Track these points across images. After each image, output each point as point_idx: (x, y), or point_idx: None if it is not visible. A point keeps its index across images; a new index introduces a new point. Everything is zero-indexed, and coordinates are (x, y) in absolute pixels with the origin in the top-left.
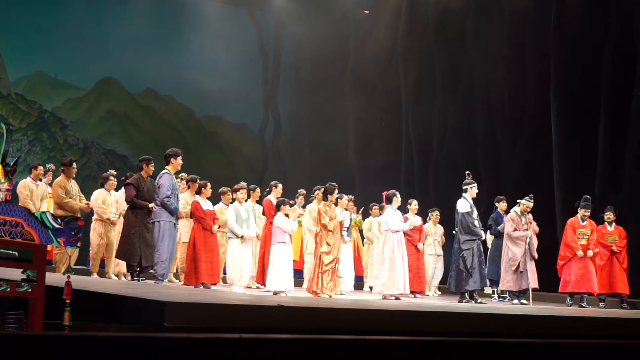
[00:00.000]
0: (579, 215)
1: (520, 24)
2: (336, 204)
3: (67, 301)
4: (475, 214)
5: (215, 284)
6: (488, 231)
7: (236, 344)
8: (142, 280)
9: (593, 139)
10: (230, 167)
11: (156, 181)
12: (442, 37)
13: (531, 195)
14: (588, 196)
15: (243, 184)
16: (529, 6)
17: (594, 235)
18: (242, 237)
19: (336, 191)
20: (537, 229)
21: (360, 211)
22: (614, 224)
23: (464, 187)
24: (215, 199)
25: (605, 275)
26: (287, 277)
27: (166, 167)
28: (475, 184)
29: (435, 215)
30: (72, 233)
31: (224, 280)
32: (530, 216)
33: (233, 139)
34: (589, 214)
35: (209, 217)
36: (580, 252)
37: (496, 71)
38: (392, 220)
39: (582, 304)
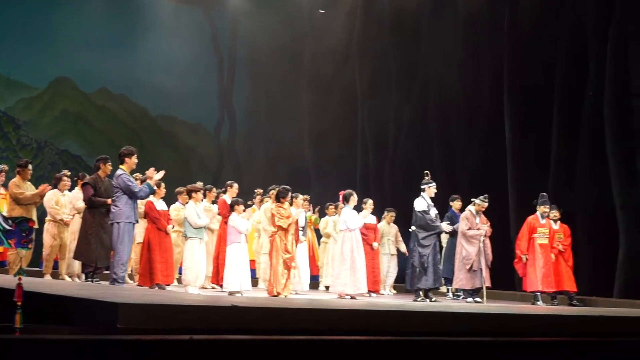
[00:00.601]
0: (538, 213)
1: (475, 25)
2: (291, 204)
3: (19, 304)
4: (433, 212)
5: (169, 285)
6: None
7: (187, 345)
8: (96, 281)
9: (546, 138)
10: (186, 166)
11: (114, 181)
12: (398, 35)
13: (486, 195)
14: (544, 193)
15: (199, 184)
16: (483, 8)
17: (551, 234)
18: (203, 226)
19: (289, 195)
20: (490, 230)
21: (316, 210)
22: (559, 222)
23: (422, 187)
24: (170, 199)
25: (555, 274)
26: (244, 277)
27: (121, 166)
28: (434, 184)
29: (390, 216)
30: (24, 235)
31: (179, 281)
32: (484, 217)
33: (188, 138)
34: (548, 209)
35: (164, 217)
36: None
37: (451, 71)
38: (350, 220)
39: (538, 302)
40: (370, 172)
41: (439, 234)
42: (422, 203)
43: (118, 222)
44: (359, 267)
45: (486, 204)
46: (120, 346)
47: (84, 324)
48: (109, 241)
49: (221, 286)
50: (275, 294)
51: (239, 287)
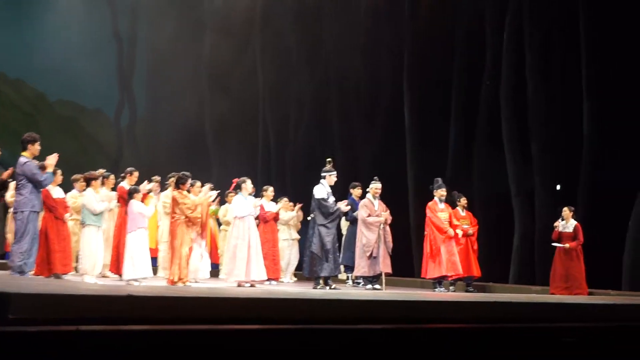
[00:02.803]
0: (436, 198)
1: (377, 11)
2: (189, 191)
3: None
4: (331, 200)
5: (67, 274)
6: (343, 217)
7: (74, 336)
8: None
9: (445, 125)
10: (85, 153)
11: (17, 169)
12: (300, 23)
13: (375, 177)
14: (439, 178)
15: (100, 171)
16: None
17: (453, 219)
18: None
19: (189, 181)
20: (390, 217)
21: (216, 200)
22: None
23: (322, 174)
24: (67, 187)
25: (462, 259)
26: (144, 264)
27: (23, 153)
28: (335, 173)
29: (284, 201)
30: None
31: (76, 270)
32: (384, 205)
33: (87, 125)
34: (445, 193)
35: (60, 205)
36: (451, 231)
37: (353, 55)
38: (239, 207)
39: (444, 289)
40: (272, 161)
41: (338, 221)
42: (322, 190)
43: (22, 211)
44: (253, 254)
45: (379, 185)
46: (10, 338)
47: None
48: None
49: (121, 275)
50: (176, 280)
51: (139, 275)
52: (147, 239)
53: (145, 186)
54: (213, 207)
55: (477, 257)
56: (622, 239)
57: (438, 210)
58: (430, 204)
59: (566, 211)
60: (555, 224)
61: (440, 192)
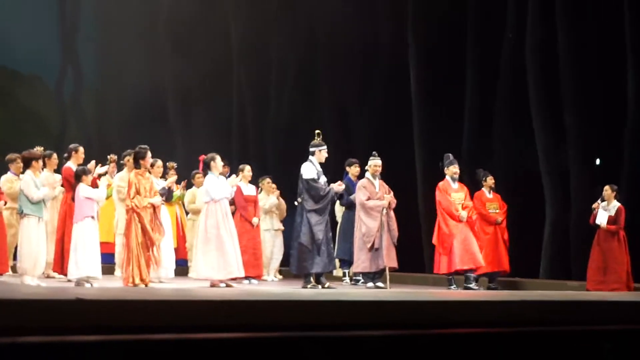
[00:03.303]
0: (448, 177)
1: None
2: (149, 172)
3: None
4: (323, 180)
5: (3, 274)
6: (338, 202)
7: (9, 349)
8: None
9: (459, 91)
10: (19, 128)
11: None
12: None
13: (374, 152)
14: (449, 153)
15: (39, 149)
16: None
17: (469, 200)
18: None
19: (149, 155)
20: (394, 201)
21: (182, 186)
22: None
23: (311, 149)
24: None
25: (490, 251)
26: (92, 261)
27: None
28: (325, 147)
29: (267, 183)
30: None
31: (14, 270)
32: (386, 186)
33: (22, 94)
34: (458, 170)
35: None
36: (463, 214)
37: (345, 13)
38: (213, 188)
39: (470, 285)
40: (249, 137)
41: (331, 206)
42: (311, 169)
43: None
44: (228, 246)
45: (379, 161)
46: None
47: None
48: None
49: (66, 275)
50: (132, 283)
51: (90, 272)
52: (97, 230)
53: (98, 169)
54: (178, 192)
55: (508, 248)
56: None
57: (451, 190)
58: (440, 184)
59: (608, 190)
60: (594, 205)
61: (452, 170)
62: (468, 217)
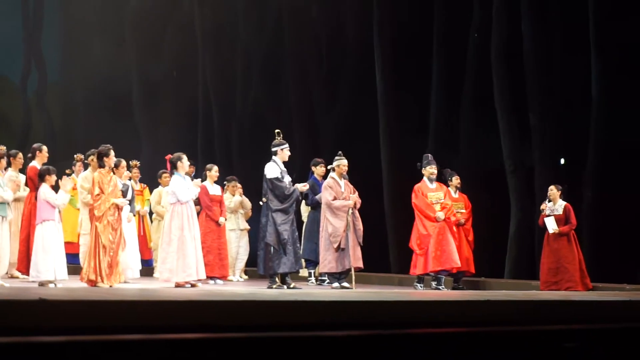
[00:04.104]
0: (425, 178)
1: None
2: (114, 172)
3: None
4: (287, 180)
5: None
6: (303, 202)
7: None
8: None
9: (425, 88)
10: None
11: None
12: None
13: (340, 152)
14: (428, 154)
15: (2, 148)
16: None
17: (447, 199)
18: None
19: (112, 153)
20: (359, 201)
21: (143, 187)
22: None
23: (273, 149)
24: None
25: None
26: (57, 262)
27: None
28: (287, 145)
29: (232, 186)
30: None
31: None
32: (351, 186)
33: None
34: (436, 170)
35: None
36: (440, 215)
37: (311, 9)
38: (180, 190)
39: (439, 287)
40: (214, 133)
41: (297, 205)
42: (275, 169)
43: None
44: (190, 248)
45: (344, 161)
46: None
47: None
48: None
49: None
50: (88, 282)
51: (52, 276)
52: (60, 232)
53: (66, 186)
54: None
55: (472, 249)
56: None
57: (428, 190)
58: (416, 186)
59: (553, 190)
60: (542, 206)
61: (430, 170)
62: (446, 217)
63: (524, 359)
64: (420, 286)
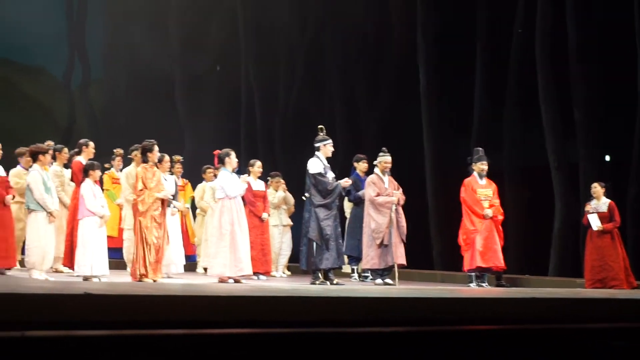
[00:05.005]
0: (475, 173)
1: None
2: (157, 167)
3: None
4: (330, 176)
5: (11, 268)
6: (346, 198)
7: (19, 343)
8: None
9: (468, 84)
10: (28, 122)
11: None
12: None
13: (384, 148)
14: (479, 148)
15: (49, 143)
16: None
17: (496, 197)
18: (50, 213)
19: (156, 148)
20: (403, 197)
21: (185, 183)
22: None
23: (316, 145)
24: (9, 163)
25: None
26: (100, 258)
27: None
28: (331, 141)
29: (275, 182)
30: None
31: (22, 264)
32: (395, 182)
33: (29, 87)
34: (487, 167)
35: (1, 186)
36: (488, 212)
37: (356, 8)
38: (228, 185)
39: (482, 284)
40: (257, 128)
41: (340, 201)
42: (318, 164)
43: None
44: (241, 243)
45: (388, 158)
46: None
47: None
48: None
49: (74, 269)
50: (139, 277)
51: (89, 271)
52: (102, 227)
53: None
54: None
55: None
56: None
57: (477, 186)
58: (466, 180)
59: (596, 188)
60: (586, 207)
61: (480, 166)
62: (493, 216)
63: (571, 356)
64: (473, 285)
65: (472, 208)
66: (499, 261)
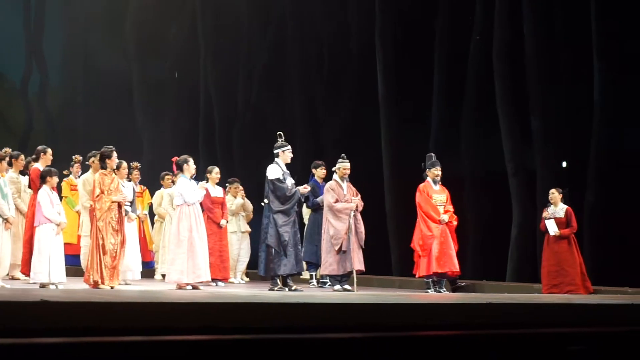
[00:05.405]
0: (429, 179)
1: None
2: (115, 174)
3: None
4: (289, 182)
5: None
6: (304, 204)
7: None
8: None
9: (426, 91)
10: None
11: None
12: None
13: (343, 155)
14: (432, 154)
15: (7, 150)
16: None
17: (449, 203)
18: (7, 220)
19: (115, 155)
20: (361, 203)
21: (143, 190)
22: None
23: (275, 151)
24: None
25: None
26: (57, 265)
27: None
28: (289, 147)
29: (234, 187)
30: None
31: None
32: (354, 188)
33: None
34: (440, 172)
35: None
36: (444, 217)
37: (312, 10)
38: (187, 192)
39: (440, 289)
40: (216, 134)
41: (299, 207)
42: (276, 170)
43: None
44: (199, 250)
45: (347, 164)
46: None
47: None
48: None
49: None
50: (94, 284)
51: (46, 278)
52: (59, 235)
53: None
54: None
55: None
56: None
57: (432, 192)
58: (421, 186)
59: (554, 193)
60: (544, 213)
61: (434, 172)
62: (449, 222)
63: None
64: (431, 291)
65: (429, 213)
66: (454, 266)
